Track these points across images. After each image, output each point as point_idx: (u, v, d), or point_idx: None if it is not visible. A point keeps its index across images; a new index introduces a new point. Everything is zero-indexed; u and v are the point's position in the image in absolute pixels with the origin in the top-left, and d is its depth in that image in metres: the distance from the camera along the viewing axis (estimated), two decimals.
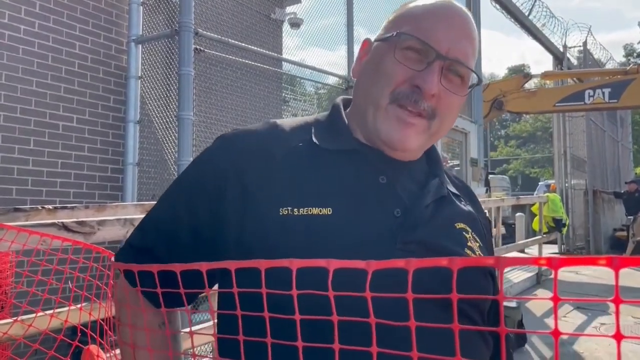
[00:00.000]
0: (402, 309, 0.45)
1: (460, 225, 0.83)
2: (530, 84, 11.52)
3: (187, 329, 0.62)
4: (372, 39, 0.89)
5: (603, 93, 9.24)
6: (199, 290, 0.66)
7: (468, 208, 0.89)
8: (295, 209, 0.73)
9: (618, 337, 0.35)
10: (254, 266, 0.52)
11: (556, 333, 0.37)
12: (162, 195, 0.87)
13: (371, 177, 0.80)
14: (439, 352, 0.45)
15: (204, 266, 0.56)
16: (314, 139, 0.82)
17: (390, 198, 0.79)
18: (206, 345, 2.50)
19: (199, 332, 0.65)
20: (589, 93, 9.36)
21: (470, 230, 0.84)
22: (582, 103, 9.45)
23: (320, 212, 0.73)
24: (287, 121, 0.87)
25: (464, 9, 0.83)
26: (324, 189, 0.76)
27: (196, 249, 0.78)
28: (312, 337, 0.52)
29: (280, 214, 0.73)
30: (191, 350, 0.63)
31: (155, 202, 0.88)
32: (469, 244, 0.82)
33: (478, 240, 0.85)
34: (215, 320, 0.78)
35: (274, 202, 0.74)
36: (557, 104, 9.77)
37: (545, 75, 10.67)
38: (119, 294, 0.83)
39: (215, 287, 0.79)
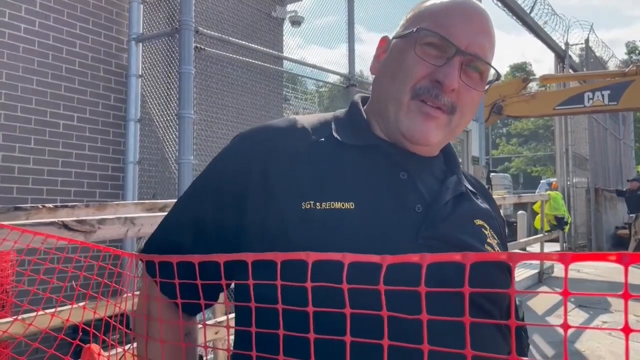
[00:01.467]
0: (420, 303, 0.46)
1: (479, 222, 0.84)
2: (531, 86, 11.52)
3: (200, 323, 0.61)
4: (390, 37, 0.90)
5: (602, 95, 9.25)
6: (216, 281, 0.65)
7: (485, 206, 0.90)
8: (318, 203, 0.73)
9: (627, 330, 0.35)
10: (270, 259, 0.52)
11: (565, 326, 0.37)
12: (181, 197, 0.87)
13: (392, 172, 0.81)
14: (456, 345, 0.46)
15: (222, 257, 0.57)
16: (335, 134, 0.83)
17: (411, 194, 0.79)
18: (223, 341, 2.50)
19: (212, 325, 0.65)
20: (588, 95, 9.37)
21: (488, 228, 0.85)
22: (582, 106, 9.46)
23: (343, 206, 0.73)
24: (306, 117, 0.88)
25: (481, 5, 0.84)
26: (346, 183, 0.76)
27: (220, 249, 0.77)
28: (328, 330, 0.53)
29: (303, 207, 0.73)
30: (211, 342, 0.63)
31: (158, 202, 0.88)
32: (488, 240, 0.83)
33: (496, 237, 0.86)
34: (232, 315, 0.78)
35: (296, 196, 0.74)
36: (556, 107, 9.77)
37: (544, 78, 10.69)
38: (146, 306, 0.83)
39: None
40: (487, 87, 0.85)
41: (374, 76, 0.91)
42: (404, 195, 0.79)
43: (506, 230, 1.02)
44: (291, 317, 0.54)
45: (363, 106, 0.91)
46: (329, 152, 0.80)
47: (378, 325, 0.49)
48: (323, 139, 0.82)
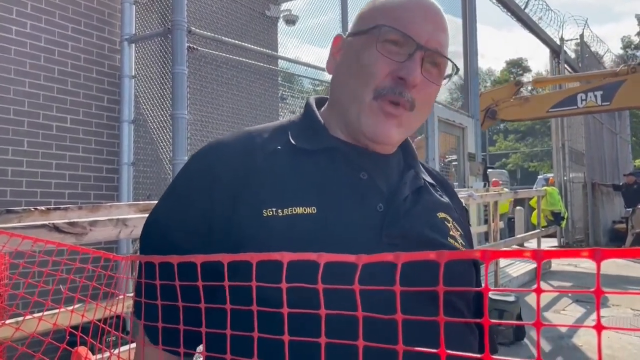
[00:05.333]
0: (393, 303, 0.45)
1: (442, 214, 0.85)
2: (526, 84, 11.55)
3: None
4: (344, 35, 0.89)
5: (595, 96, 9.31)
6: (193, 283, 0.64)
7: (445, 199, 0.90)
8: (279, 210, 0.73)
9: (599, 328, 0.34)
10: (245, 259, 0.52)
11: (538, 324, 0.37)
12: (152, 210, 0.86)
13: (352, 173, 0.80)
14: (428, 343, 0.46)
15: (199, 259, 0.56)
16: (291, 140, 0.82)
17: (372, 193, 0.79)
18: None
19: (187, 328, 0.64)
20: (581, 97, 9.44)
21: (451, 220, 0.86)
22: (575, 107, 9.54)
23: (305, 211, 0.73)
24: (261, 127, 0.87)
25: (434, 0, 0.85)
26: (306, 188, 0.76)
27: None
28: (303, 332, 0.52)
29: (264, 215, 0.72)
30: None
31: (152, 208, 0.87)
32: (450, 232, 0.83)
33: (459, 229, 0.87)
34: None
35: (257, 204, 0.74)
36: (550, 110, 9.86)
37: (536, 81, 10.77)
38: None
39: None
40: (445, 81, 0.86)
41: (331, 75, 0.89)
42: (365, 195, 0.78)
43: (469, 220, 1.04)
44: (264, 320, 0.54)
45: (319, 108, 0.90)
46: (287, 159, 0.80)
47: (352, 326, 0.48)
48: (280, 147, 0.81)
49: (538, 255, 0.38)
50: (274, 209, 0.73)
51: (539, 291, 0.38)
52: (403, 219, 0.78)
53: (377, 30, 0.80)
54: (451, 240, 0.82)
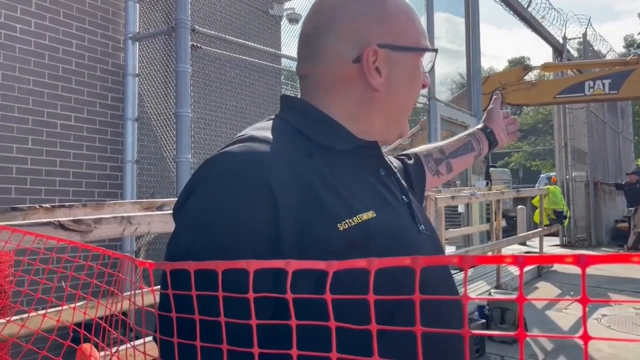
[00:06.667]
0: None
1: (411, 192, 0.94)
2: (530, 76, 11.49)
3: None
4: (376, 46, 0.82)
5: (603, 84, 9.24)
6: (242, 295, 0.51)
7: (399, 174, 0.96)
8: (349, 220, 0.70)
9: (585, 338, 0.34)
10: (318, 267, 0.45)
11: (521, 335, 0.36)
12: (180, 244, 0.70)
13: (376, 170, 0.84)
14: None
15: (252, 265, 0.48)
16: (321, 142, 0.78)
17: (393, 187, 0.85)
18: None
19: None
20: (589, 84, 9.35)
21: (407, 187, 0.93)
22: (582, 94, 9.44)
23: (369, 216, 0.72)
24: (263, 135, 0.75)
25: None
26: (358, 191, 0.75)
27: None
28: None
29: (340, 229, 0.68)
30: None
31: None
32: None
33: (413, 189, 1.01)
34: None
35: (327, 219, 0.68)
36: (557, 96, 9.75)
37: (545, 66, 10.64)
38: None
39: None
40: None
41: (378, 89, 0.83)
42: (391, 190, 0.83)
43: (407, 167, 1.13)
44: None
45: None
46: (326, 164, 0.75)
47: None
48: (312, 153, 0.76)
49: (519, 261, 0.36)
50: (346, 221, 0.69)
51: (521, 300, 0.36)
52: (418, 209, 0.85)
53: (422, 52, 0.87)
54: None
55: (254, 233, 0.65)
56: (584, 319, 0.35)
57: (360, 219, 0.70)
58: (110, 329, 0.87)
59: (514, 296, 0.35)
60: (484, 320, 4.65)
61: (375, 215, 0.72)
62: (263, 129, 0.78)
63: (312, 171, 0.72)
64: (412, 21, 0.86)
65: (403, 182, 0.90)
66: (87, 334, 0.94)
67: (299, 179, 0.69)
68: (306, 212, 0.67)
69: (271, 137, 0.75)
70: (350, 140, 0.81)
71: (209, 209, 0.68)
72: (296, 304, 0.46)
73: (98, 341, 0.92)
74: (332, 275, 0.43)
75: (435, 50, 0.89)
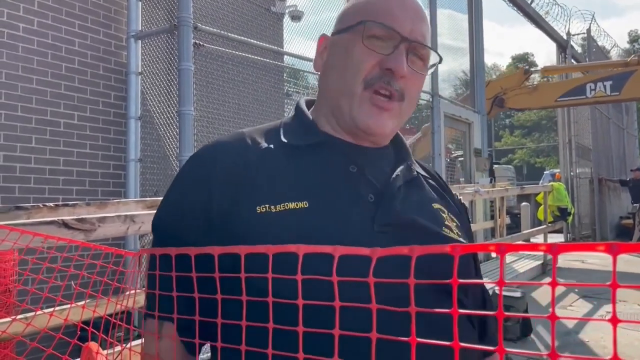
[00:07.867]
0: (404, 296, 0.46)
1: (437, 205, 0.87)
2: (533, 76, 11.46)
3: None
4: (329, 34, 0.92)
5: (604, 86, 9.23)
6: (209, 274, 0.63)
7: (440, 191, 0.93)
8: (272, 206, 0.75)
9: (614, 321, 0.34)
10: (263, 252, 0.52)
11: (553, 317, 0.37)
12: (157, 208, 0.88)
13: (342, 167, 0.83)
14: (439, 336, 0.45)
15: (216, 250, 0.57)
16: (282, 138, 0.85)
17: (362, 185, 0.81)
18: None
19: (203, 319, 0.64)
20: (590, 87, 9.35)
21: (446, 211, 0.88)
22: (584, 97, 9.45)
23: (297, 205, 0.75)
24: (254, 128, 0.89)
25: None
26: (297, 183, 0.78)
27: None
28: (314, 325, 0.52)
29: (258, 212, 0.74)
30: None
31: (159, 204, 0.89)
32: (446, 222, 0.85)
33: (455, 220, 0.88)
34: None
35: (250, 202, 0.76)
36: (558, 99, 9.76)
37: (545, 70, 10.65)
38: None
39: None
40: (430, 70, 0.89)
41: (319, 74, 0.92)
42: (355, 187, 0.81)
43: (469, 217, 1.05)
44: (281, 311, 0.55)
45: (309, 108, 0.93)
46: (278, 157, 0.82)
47: (363, 319, 0.49)
48: (272, 146, 0.84)
49: (554, 249, 0.38)
50: (267, 205, 0.75)
51: (554, 284, 0.38)
52: (396, 207, 0.80)
53: (362, 25, 0.82)
54: (446, 230, 0.83)
55: (190, 193, 0.81)
56: (613, 302, 0.36)
57: (285, 207, 0.75)
58: (120, 323, 0.86)
59: (541, 283, 0.34)
60: None
61: (307, 206, 0.75)
62: (258, 126, 0.89)
63: (257, 160, 0.81)
64: (369, 5, 0.85)
65: (399, 181, 0.84)
66: (95, 331, 0.94)
67: (239, 164, 0.80)
68: (234, 189, 0.77)
69: (250, 132, 0.86)
70: (311, 137, 0.85)
71: (169, 189, 0.87)
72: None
73: (106, 338, 0.91)
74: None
75: (378, 23, 0.82)
